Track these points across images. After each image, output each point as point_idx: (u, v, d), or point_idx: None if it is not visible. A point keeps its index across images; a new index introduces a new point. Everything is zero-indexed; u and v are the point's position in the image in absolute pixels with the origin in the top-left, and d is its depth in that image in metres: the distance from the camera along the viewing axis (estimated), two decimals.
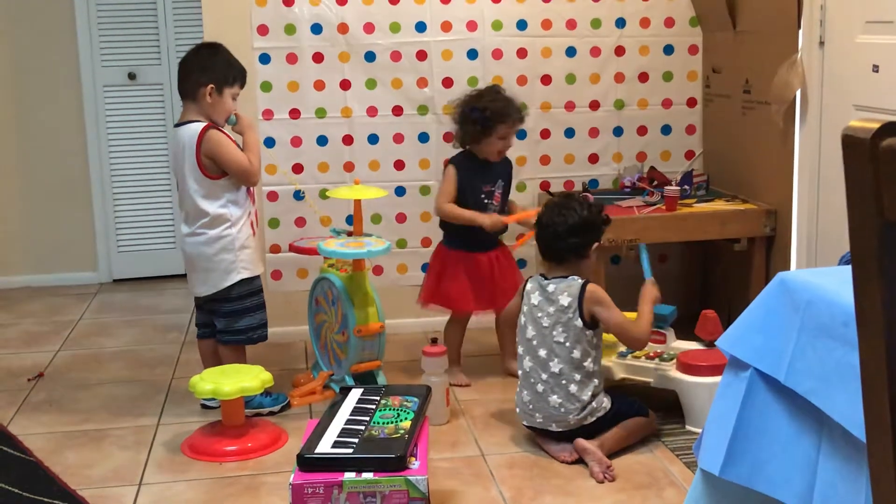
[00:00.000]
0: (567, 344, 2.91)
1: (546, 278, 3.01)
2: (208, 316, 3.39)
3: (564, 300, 2.93)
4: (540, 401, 2.93)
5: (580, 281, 2.96)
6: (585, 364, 2.92)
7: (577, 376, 2.90)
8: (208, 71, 3.23)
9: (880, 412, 1.01)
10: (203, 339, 3.46)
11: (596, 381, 2.95)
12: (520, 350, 3.03)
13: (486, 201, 3.56)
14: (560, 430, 2.92)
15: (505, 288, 3.52)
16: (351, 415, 2.62)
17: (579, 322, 2.91)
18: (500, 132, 3.48)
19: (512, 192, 3.80)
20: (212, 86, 3.21)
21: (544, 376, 2.92)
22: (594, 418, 2.92)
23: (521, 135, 4.14)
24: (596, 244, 3.06)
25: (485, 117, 3.46)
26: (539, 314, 2.97)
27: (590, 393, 2.92)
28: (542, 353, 2.93)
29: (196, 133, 3.20)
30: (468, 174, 3.54)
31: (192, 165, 3.21)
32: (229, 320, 3.32)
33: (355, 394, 2.77)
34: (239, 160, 3.22)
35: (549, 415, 2.93)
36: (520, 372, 3.02)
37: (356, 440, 2.45)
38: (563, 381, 2.90)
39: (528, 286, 3.05)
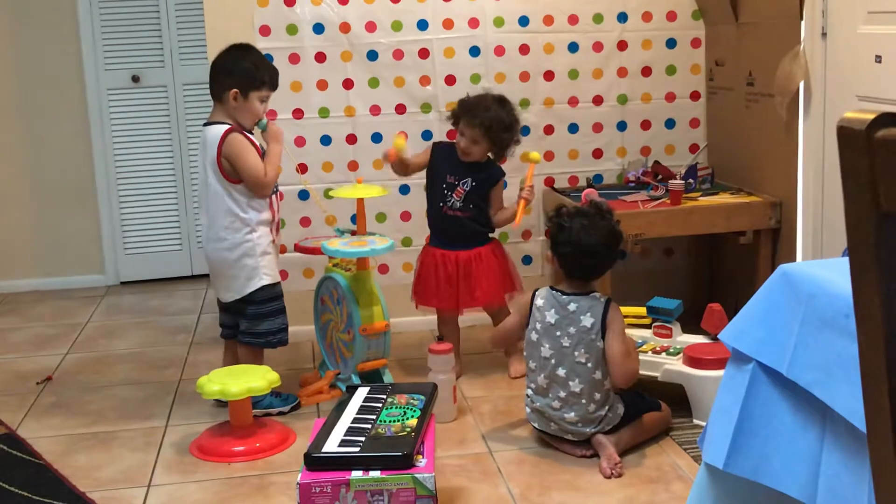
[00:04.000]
0: (589, 365, 2.85)
1: (564, 294, 2.92)
2: (233, 318, 3.40)
3: (587, 321, 2.86)
4: (556, 415, 2.90)
5: (602, 299, 2.90)
6: (606, 383, 2.88)
7: (597, 395, 2.87)
8: (234, 74, 3.23)
9: (880, 403, 1.01)
10: (227, 339, 3.48)
11: (611, 395, 2.92)
12: (531, 364, 2.95)
13: (446, 191, 3.57)
14: (576, 440, 2.91)
15: (474, 287, 3.54)
16: (357, 413, 2.63)
17: (601, 343, 2.85)
18: (460, 129, 3.52)
19: (515, 188, 3.78)
20: (236, 90, 3.21)
21: (562, 394, 2.88)
22: (609, 427, 2.90)
23: (525, 131, 4.13)
24: None
25: (455, 111, 3.57)
26: (558, 333, 2.88)
27: (606, 408, 2.89)
28: (562, 372, 2.87)
29: (219, 135, 3.20)
30: (442, 157, 3.60)
31: (214, 167, 3.22)
32: (251, 323, 3.33)
33: (362, 392, 2.78)
34: (254, 169, 3.20)
35: (565, 429, 2.90)
36: (532, 385, 2.96)
37: (363, 439, 2.46)
38: (584, 401, 2.86)
39: (540, 302, 2.94)
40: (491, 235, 3.66)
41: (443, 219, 3.59)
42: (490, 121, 3.46)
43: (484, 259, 3.57)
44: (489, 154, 3.57)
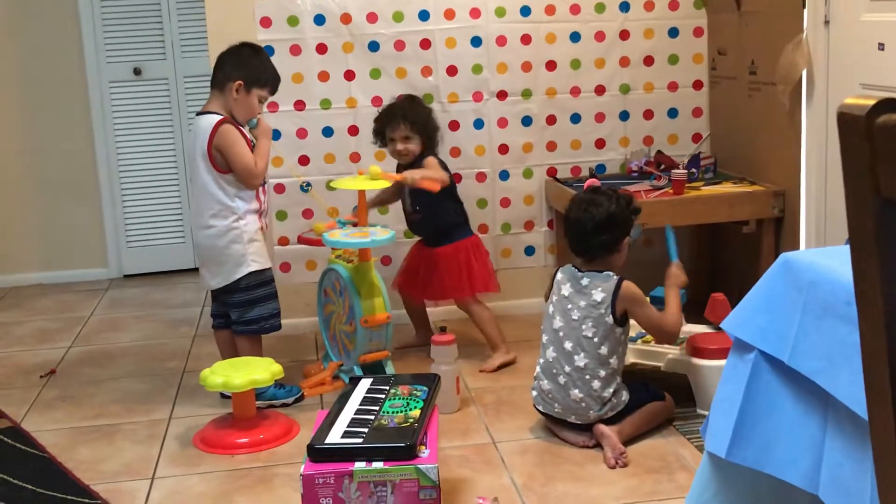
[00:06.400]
0: (595, 339, 2.87)
1: (580, 270, 2.96)
2: (224, 307, 3.42)
3: (598, 295, 2.89)
4: (561, 393, 2.91)
5: (615, 277, 2.92)
6: (611, 361, 2.89)
7: (602, 373, 2.88)
8: (242, 67, 3.28)
9: (881, 391, 1.01)
10: (219, 329, 3.48)
11: (619, 378, 2.93)
12: (543, 339, 2.99)
13: (407, 202, 3.73)
14: (579, 422, 2.92)
15: (435, 283, 3.67)
16: (360, 405, 2.63)
17: (610, 319, 2.87)
18: (388, 139, 3.66)
19: (518, 178, 4.12)
20: (240, 82, 3.25)
21: (567, 369, 2.89)
22: (614, 413, 2.90)
23: (527, 121, 4.13)
24: (627, 238, 3.01)
25: (375, 129, 3.73)
26: (569, 306, 2.92)
27: (612, 389, 2.89)
28: (568, 345, 2.90)
29: (211, 124, 3.23)
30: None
31: (204, 156, 3.24)
32: (241, 311, 3.34)
33: (365, 384, 2.78)
34: (245, 159, 3.24)
35: (569, 407, 2.91)
36: (541, 360, 2.98)
37: (366, 430, 2.46)
38: (587, 377, 2.87)
39: (559, 276, 3.00)
40: (463, 233, 3.69)
41: (410, 225, 3.79)
42: (405, 111, 3.62)
43: (441, 259, 3.64)
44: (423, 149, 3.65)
